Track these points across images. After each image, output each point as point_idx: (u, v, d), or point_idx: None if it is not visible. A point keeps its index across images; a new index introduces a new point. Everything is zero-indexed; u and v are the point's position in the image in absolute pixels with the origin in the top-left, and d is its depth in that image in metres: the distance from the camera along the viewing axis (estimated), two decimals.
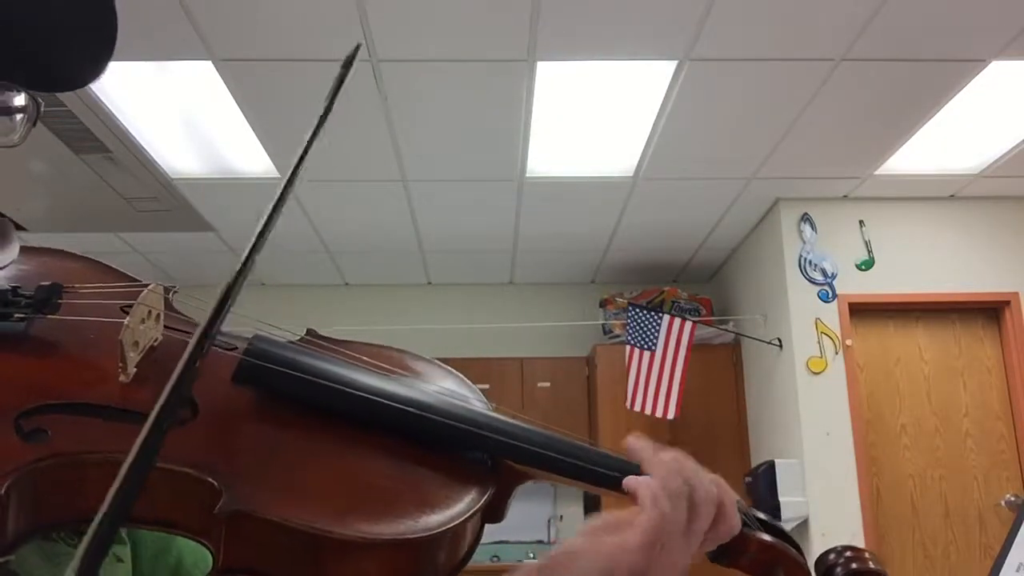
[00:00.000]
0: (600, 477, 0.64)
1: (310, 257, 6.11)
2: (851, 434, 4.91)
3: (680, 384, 5.08)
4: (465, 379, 0.71)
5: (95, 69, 0.70)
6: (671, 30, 3.48)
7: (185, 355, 0.48)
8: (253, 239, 0.53)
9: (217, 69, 3.69)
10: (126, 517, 0.42)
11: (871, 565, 0.65)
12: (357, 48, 0.71)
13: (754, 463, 5.47)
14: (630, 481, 0.62)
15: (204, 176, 4.75)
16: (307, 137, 0.61)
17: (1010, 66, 3.80)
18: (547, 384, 6.35)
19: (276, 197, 0.56)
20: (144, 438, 0.44)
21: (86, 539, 0.40)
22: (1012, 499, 4.89)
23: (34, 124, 0.67)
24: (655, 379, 5.11)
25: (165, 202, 5.02)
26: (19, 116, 0.66)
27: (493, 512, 0.62)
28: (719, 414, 5.87)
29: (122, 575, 0.68)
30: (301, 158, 0.60)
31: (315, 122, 0.63)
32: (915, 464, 5.00)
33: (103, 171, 4.56)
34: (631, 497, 0.62)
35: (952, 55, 3.71)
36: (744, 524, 0.66)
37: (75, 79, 0.70)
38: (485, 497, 0.60)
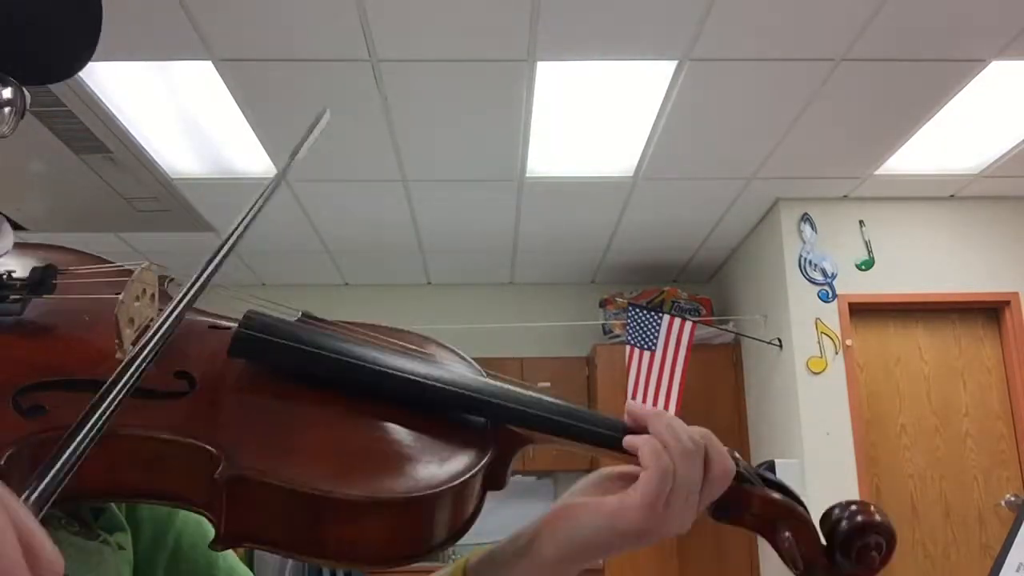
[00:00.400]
0: (598, 437, 0.64)
1: (310, 257, 6.11)
2: (851, 434, 4.90)
3: (680, 384, 5.07)
4: (457, 349, 0.72)
5: (83, 56, 0.70)
6: (671, 30, 3.48)
7: (162, 319, 0.53)
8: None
9: (217, 69, 3.68)
10: (70, 471, 0.43)
11: (877, 518, 0.65)
12: (323, 113, 0.75)
13: (754, 463, 5.45)
14: (631, 440, 0.62)
15: (204, 176, 4.75)
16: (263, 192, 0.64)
17: (1010, 66, 3.79)
18: (547, 384, 6.35)
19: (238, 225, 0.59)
20: (106, 389, 0.46)
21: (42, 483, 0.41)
22: (1012, 499, 4.88)
23: (22, 116, 0.67)
24: (655, 379, 5.11)
25: (165, 202, 5.02)
26: (7, 109, 0.66)
27: (495, 478, 0.62)
28: (719, 414, 5.86)
29: (124, 562, 0.68)
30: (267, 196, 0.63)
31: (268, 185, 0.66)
32: (915, 464, 5.00)
33: (103, 171, 4.56)
34: (632, 456, 0.62)
35: (952, 55, 3.71)
36: (746, 480, 0.66)
37: (63, 68, 0.70)
38: (486, 458, 0.60)
